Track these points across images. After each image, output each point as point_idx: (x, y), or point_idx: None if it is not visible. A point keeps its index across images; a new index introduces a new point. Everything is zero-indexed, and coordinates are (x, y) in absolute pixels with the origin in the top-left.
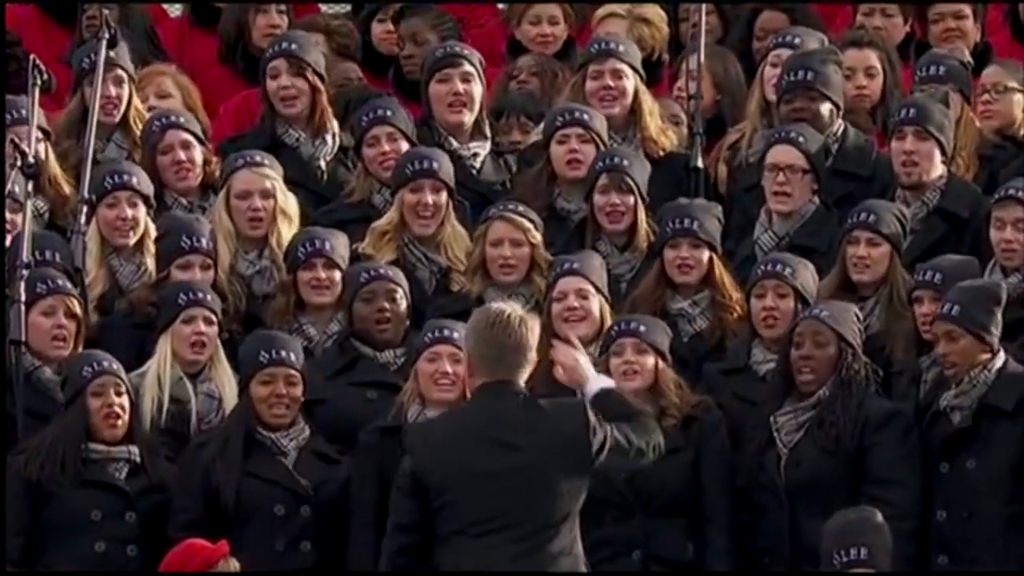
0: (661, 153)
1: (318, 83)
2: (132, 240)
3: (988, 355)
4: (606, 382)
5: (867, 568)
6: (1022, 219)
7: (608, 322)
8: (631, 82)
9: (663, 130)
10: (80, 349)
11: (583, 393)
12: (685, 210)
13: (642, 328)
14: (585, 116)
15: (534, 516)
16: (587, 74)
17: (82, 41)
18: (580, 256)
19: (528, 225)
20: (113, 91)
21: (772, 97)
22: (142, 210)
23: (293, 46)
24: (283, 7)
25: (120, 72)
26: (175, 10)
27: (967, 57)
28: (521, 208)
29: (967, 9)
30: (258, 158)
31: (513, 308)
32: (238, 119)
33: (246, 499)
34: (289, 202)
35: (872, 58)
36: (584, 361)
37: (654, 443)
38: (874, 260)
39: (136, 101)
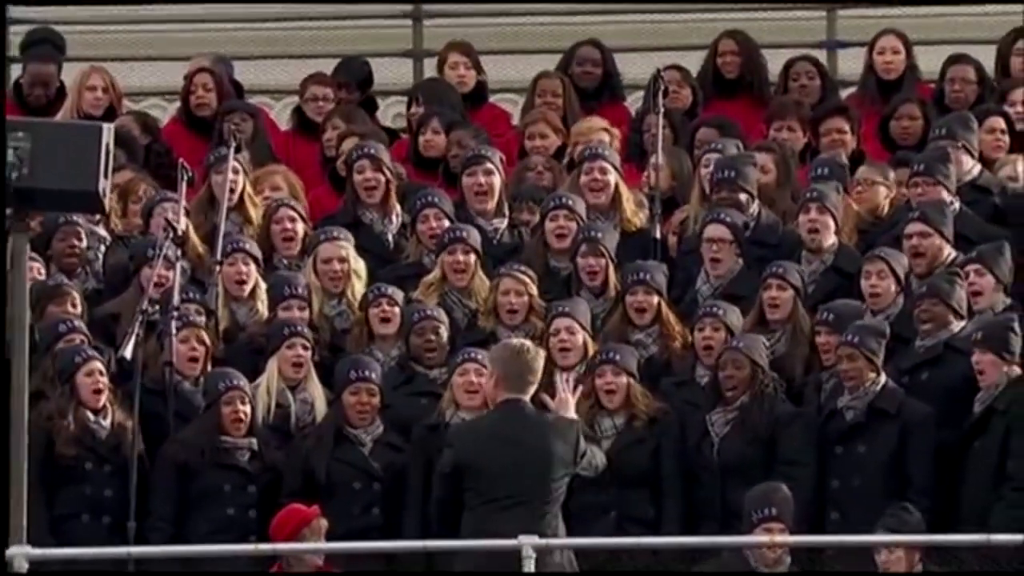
0: (634, 229)
1: (391, 177)
2: (246, 291)
3: (875, 373)
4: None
5: (776, 522)
6: (884, 270)
7: (591, 351)
8: (613, 176)
9: (636, 212)
10: (209, 368)
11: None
12: (641, 267)
13: (617, 357)
14: (569, 201)
15: (540, 496)
16: (581, 170)
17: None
18: (571, 302)
19: (527, 280)
20: (230, 178)
21: (707, 189)
22: (253, 267)
23: (373, 150)
24: (338, 123)
25: (236, 165)
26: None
27: (845, 160)
28: (523, 268)
29: (847, 126)
30: (335, 233)
31: (530, 343)
32: (309, 211)
33: (333, 478)
34: (359, 264)
35: (765, 159)
36: (571, 403)
37: (599, 463)
38: (782, 301)
39: (248, 188)
